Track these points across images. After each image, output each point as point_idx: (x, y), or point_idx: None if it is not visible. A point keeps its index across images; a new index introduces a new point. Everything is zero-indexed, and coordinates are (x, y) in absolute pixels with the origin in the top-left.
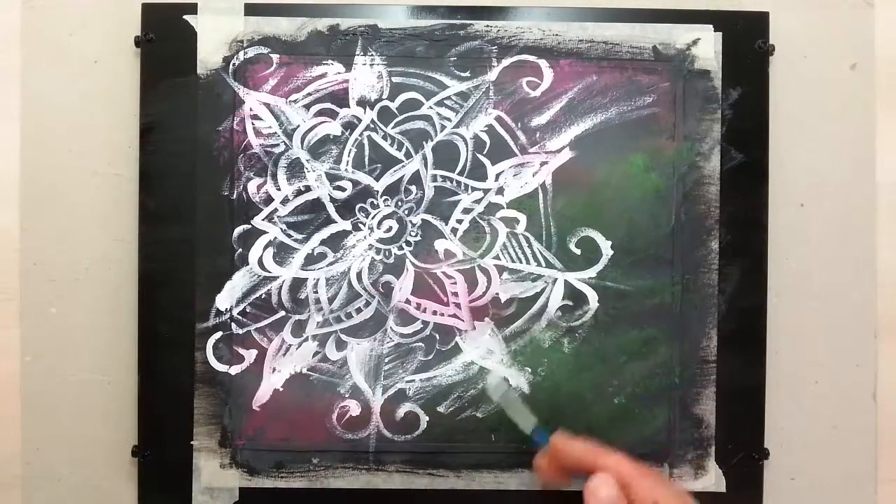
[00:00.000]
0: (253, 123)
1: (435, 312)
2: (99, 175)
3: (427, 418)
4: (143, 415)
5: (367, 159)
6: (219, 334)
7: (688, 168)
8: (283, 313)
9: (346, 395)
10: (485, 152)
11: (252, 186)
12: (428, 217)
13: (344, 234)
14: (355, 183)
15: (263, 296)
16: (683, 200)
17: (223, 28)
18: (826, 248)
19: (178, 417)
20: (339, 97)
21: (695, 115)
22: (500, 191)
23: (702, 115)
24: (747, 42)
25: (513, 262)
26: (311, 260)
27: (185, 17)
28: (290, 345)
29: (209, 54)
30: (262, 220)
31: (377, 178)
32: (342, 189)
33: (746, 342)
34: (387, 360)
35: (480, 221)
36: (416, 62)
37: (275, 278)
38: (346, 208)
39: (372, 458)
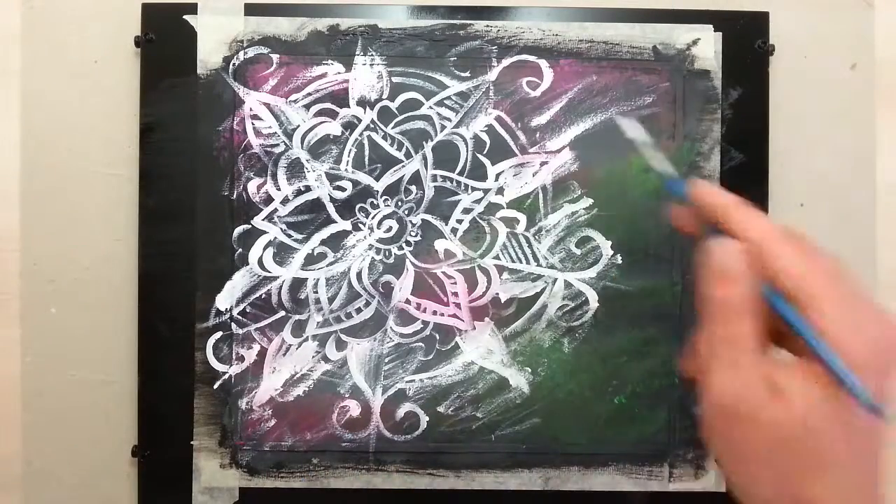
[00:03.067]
0: (253, 123)
1: (435, 312)
2: (99, 175)
3: (427, 418)
4: (143, 415)
5: (367, 159)
6: (219, 334)
7: (688, 168)
8: (283, 313)
9: (346, 395)
10: (485, 152)
11: (252, 186)
12: (428, 217)
13: (344, 234)
14: (355, 183)
15: (263, 296)
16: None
17: (223, 28)
18: (826, 248)
19: (178, 417)
20: (339, 97)
21: (695, 115)
22: (500, 191)
23: (702, 115)
24: (747, 42)
25: (513, 262)
26: (311, 260)
27: (185, 17)
28: (290, 345)
29: (209, 54)
30: (262, 220)
31: (377, 178)
32: (342, 189)
33: None
34: (387, 360)
35: (480, 221)
36: (416, 62)
37: (275, 278)
38: (346, 208)
39: (372, 458)
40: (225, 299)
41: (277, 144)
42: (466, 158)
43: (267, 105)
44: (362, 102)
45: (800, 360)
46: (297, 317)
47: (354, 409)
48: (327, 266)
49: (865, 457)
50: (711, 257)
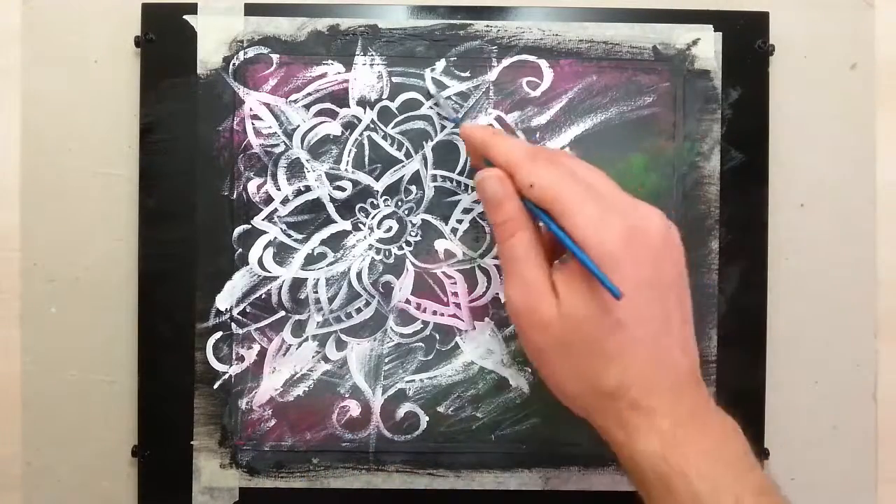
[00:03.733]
0: (253, 123)
1: (435, 312)
2: (99, 175)
3: (427, 418)
4: (143, 415)
5: (367, 159)
6: (219, 334)
7: (688, 168)
8: (283, 313)
9: (346, 395)
10: None
11: (252, 186)
12: (428, 217)
13: (344, 234)
14: (355, 183)
15: (263, 296)
16: (683, 200)
17: (223, 28)
18: (826, 248)
19: (178, 417)
20: (339, 97)
21: (695, 115)
22: None
23: (702, 115)
24: (747, 42)
25: None
26: (311, 260)
27: (185, 17)
28: (290, 345)
29: (209, 54)
30: (262, 220)
31: (377, 178)
32: (342, 189)
33: (746, 342)
34: (387, 360)
35: (480, 221)
36: (416, 62)
37: (275, 278)
38: (346, 208)
39: (372, 458)
40: (225, 299)
41: (277, 144)
42: (466, 158)
43: (267, 105)
44: (362, 102)
45: (568, 262)
46: (297, 317)
47: (354, 409)
48: (327, 266)
49: (647, 327)
50: (478, 186)
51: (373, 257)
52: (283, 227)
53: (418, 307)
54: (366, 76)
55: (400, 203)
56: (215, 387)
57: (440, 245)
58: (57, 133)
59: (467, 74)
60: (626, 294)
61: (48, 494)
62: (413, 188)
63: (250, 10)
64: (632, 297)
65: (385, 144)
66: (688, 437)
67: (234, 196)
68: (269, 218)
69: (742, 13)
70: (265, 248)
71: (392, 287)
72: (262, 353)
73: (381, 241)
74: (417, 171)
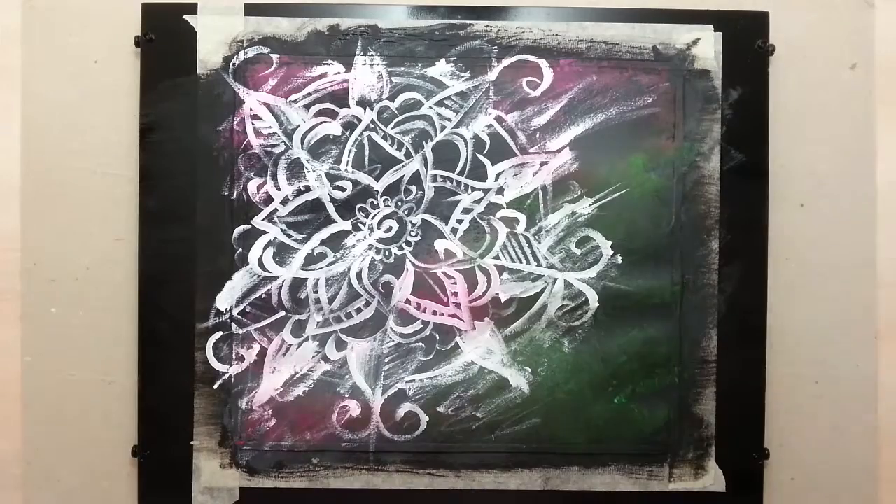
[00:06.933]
0: (253, 123)
1: (435, 312)
2: (99, 175)
3: (427, 418)
4: (143, 415)
5: (367, 159)
6: (219, 334)
7: (688, 168)
8: (283, 313)
9: (346, 395)
10: (485, 152)
11: (252, 186)
12: (428, 217)
13: (344, 234)
14: (355, 183)
15: (263, 296)
16: (683, 200)
17: (223, 28)
18: (826, 248)
19: (178, 417)
20: (339, 97)
21: (695, 115)
22: (500, 191)
23: (702, 115)
24: (747, 42)
25: (513, 262)
26: (311, 260)
27: (185, 17)
28: (290, 345)
29: (209, 54)
30: (262, 220)
31: (377, 178)
32: (342, 189)
33: (746, 342)
34: (387, 360)
35: (480, 221)
36: (416, 62)
37: (275, 278)
38: (346, 208)
39: (372, 458)
40: (225, 299)
41: (277, 144)
42: (466, 158)
43: (267, 105)
44: (362, 102)
45: None
46: (297, 317)
47: (354, 409)
48: (327, 266)
49: None
50: None
51: (373, 257)
52: (283, 227)
53: (418, 307)
54: (366, 76)
55: (400, 203)
56: (215, 387)
57: (440, 245)
58: (57, 133)
59: (467, 74)
60: None
61: (48, 494)
62: (413, 188)
63: (250, 10)
64: None
65: (385, 144)
66: None
67: (234, 196)
68: (269, 218)
69: (742, 13)
70: (265, 248)
71: (392, 287)
72: (262, 353)
73: (381, 241)
74: (417, 171)
